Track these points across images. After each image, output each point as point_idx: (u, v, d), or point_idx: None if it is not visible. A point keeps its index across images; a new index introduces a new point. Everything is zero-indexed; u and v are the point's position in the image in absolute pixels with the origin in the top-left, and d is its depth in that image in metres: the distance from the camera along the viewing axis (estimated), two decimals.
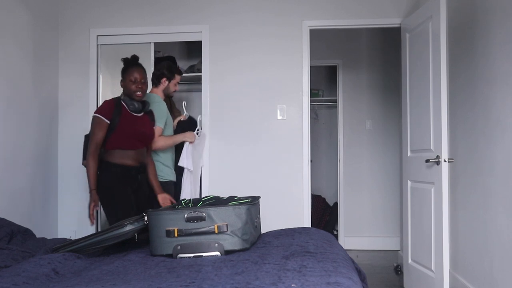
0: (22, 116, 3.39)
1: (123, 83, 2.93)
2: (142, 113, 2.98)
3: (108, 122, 2.80)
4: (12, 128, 3.28)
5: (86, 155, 2.87)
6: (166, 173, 3.25)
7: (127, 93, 2.92)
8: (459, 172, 3.09)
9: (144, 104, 2.97)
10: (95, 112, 2.83)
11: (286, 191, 3.81)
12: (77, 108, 3.94)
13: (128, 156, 2.85)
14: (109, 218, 2.83)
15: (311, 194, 3.97)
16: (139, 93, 2.90)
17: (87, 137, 3.04)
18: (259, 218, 2.23)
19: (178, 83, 3.48)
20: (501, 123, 2.52)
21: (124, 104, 2.90)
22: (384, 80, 5.17)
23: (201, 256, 1.83)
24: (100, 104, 2.91)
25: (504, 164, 2.49)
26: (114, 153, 2.82)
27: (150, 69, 3.95)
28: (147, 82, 2.97)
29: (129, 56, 2.97)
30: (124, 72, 2.93)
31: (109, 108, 2.84)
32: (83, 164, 3.03)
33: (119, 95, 3.04)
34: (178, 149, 3.49)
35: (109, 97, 3.96)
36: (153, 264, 1.77)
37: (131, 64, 2.94)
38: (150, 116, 3.07)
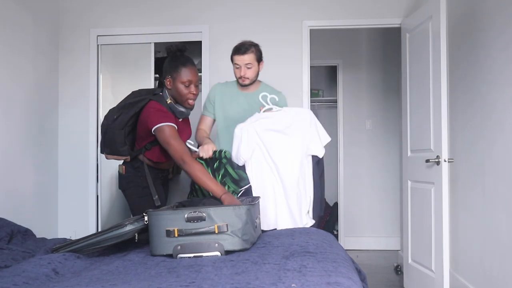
0: (22, 116, 3.39)
1: (172, 84, 2.46)
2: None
3: (175, 126, 2.40)
4: (12, 128, 3.28)
5: (115, 151, 2.61)
6: None
7: (176, 96, 2.48)
8: (459, 172, 3.09)
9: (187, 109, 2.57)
10: (161, 122, 2.35)
11: None
12: (77, 108, 3.94)
13: (167, 164, 2.69)
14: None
15: None
16: (192, 102, 2.49)
17: (112, 133, 2.59)
18: (259, 218, 2.23)
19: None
20: (501, 123, 2.52)
21: (171, 109, 2.49)
22: (384, 80, 5.17)
23: (201, 256, 1.83)
24: (154, 111, 2.42)
25: (504, 164, 2.49)
26: (154, 161, 2.60)
27: (150, 70, 3.96)
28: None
29: (177, 46, 2.48)
30: (174, 70, 2.44)
31: (169, 115, 2.43)
32: (106, 157, 2.71)
33: (161, 93, 2.55)
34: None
35: (109, 96, 3.98)
36: (153, 264, 1.76)
37: (182, 62, 2.45)
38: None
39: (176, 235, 1.86)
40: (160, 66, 4.50)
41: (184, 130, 2.59)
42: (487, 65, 2.70)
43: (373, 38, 5.23)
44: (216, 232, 1.85)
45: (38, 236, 2.65)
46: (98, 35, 3.97)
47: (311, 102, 4.38)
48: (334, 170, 5.67)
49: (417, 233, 3.36)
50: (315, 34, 4.19)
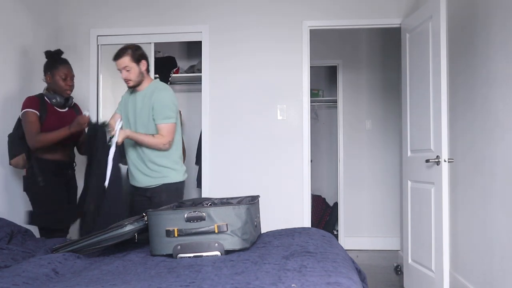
0: None
1: (51, 79, 2.91)
2: (66, 108, 3.02)
3: (38, 113, 2.84)
4: (11, 128, 3.28)
5: (14, 154, 2.92)
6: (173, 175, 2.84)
7: (54, 89, 2.92)
8: (459, 172, 3.09)
9: (68, 99, 2.99)
10: (23, 109, 2.84)
11: (286, 191, 3.81)
12: None
13: (59, 151, 2.93)
14: (39, 214, 2.87)
15: (311, 194, 3.97)
16: (69, 91, 2.96)
17: (11, 137, 2.99)
18: (259, 217, 2.23)
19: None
20: (501, 123, 2.52)
21: (47, 99, 2.93)
22: (384, 80, 5.17)
23: (201, 256, 1.83)
24: (26, 102, 2.90)
25: (504, 164, 2.49)
26: (43, 150, 2.87)
27: (150, 70, 3.96)
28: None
29: (59, 49, 2.96)
30: (52, 67, 2.91)
31: (34, 102, 2.86)
32: (10, 163, 3.00)
33: (42, 92, 3.00)
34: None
35: (109, 97, 3.99)
36: (153, 264, 1.76)
37: (59, 61, 2.94)
38: (76, 111, 3.09)
39: (176, 235, 1.86)
40: (161, 66, 4.50)
41: (68, 118, 2.93)
42: (487, 65, 2.70)
43: (373, 38, 5.23)
44: (216, 231, 1.85)
45: (38, 236, 2.66)
46: (98, 35, 3.97)
47: (311, 102, 4.38)
48: (334, 170, 5.67)
49: (417, 233, 3.36)
50: (315, 34, 4.19)
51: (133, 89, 2.86)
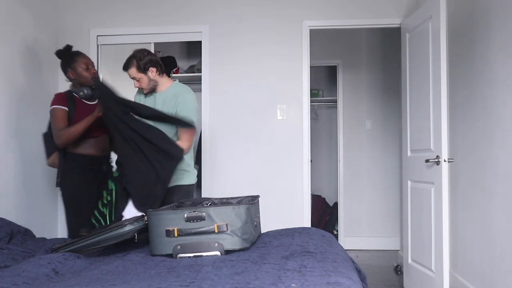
0: (21, 116, 3.39)
1: (74, 74, 2.88)
2: (96, 101, 2.93)
3: (67, 109, 2.80)
4: (12, 128, 3.28)
5: (49, 153, 2.90)
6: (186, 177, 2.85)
7: (80, 82, 2.89)
8: (459, 172, 3.09)
9: (93, 90, 2.92)
10: (53, 105, 2.80)
11: (286, 191, 3.81)
12: None
13: (90, 145, 2.86)
14: (70, 214, 2.84)
15: (311, 194, 3.97)
16: None
17: (46, 136, 2.98)
18: (259, 217, 2.23)
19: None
20: (501, 123, 2.52)
21: (75, 94, 2.89)
22: (384, 80, 5.17)
23: (201, 255, 1.83)
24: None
25: (504, 164, 2.49)
26: (75, 144, 2.82)
27: None
28: None
29: (66, 48, 2.90)
30: (70, 62, 2.87)
31: (62, 99, 2.83)
32: (48, 164, 2.98)
33: (69, 89, 2.97)
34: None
35: None
36: (153, 264, 1.76)
37: (75, 54, 2.91)
38: None
39: (176, 235, 1.86)
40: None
41: (92, 111, 2.84)
42: (487, 65, 2.70)
43: (373, 38, 5.23)
44: (216, 231, 1.85)
45: (38, 236, 2.66)
46: (98, 35, 3.97)
47: (311, 102, 4.38)
48: (334, 170, 5.68)
49: (417, 233, 3.36)
50: (315, 34, 4.19)
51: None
